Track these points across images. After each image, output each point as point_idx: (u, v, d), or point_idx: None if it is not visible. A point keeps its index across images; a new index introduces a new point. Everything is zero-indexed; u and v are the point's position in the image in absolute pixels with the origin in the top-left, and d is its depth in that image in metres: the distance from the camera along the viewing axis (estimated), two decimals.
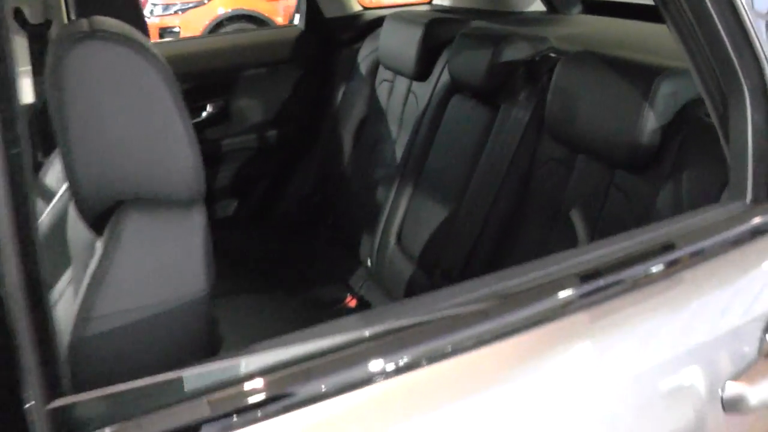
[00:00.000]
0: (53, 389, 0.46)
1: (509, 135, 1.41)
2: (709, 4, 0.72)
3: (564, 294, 0.67)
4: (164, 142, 0.69)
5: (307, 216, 2.16)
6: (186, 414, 0.49)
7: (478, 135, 1.53)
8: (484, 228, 1.43)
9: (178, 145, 0.70)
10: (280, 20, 6.58)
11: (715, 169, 0.90)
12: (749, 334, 0.67)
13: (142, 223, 0.68)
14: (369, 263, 1.80)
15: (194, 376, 0.52)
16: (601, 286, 0.68)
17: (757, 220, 0.74)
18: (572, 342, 0.64)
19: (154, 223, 0.69)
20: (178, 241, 0.71)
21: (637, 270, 0.69)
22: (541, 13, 2.18)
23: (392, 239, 1.74)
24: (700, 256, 0.72)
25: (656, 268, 0.70)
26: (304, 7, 2.21)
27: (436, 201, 1.63)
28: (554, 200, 1.29)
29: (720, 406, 0.63)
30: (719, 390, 0.62)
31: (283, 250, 2.04)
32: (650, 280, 0.69)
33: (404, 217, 1.74)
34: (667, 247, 0.73)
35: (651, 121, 1.07)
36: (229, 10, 6.44)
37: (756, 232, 0.74)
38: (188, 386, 0.51)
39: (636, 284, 0.68)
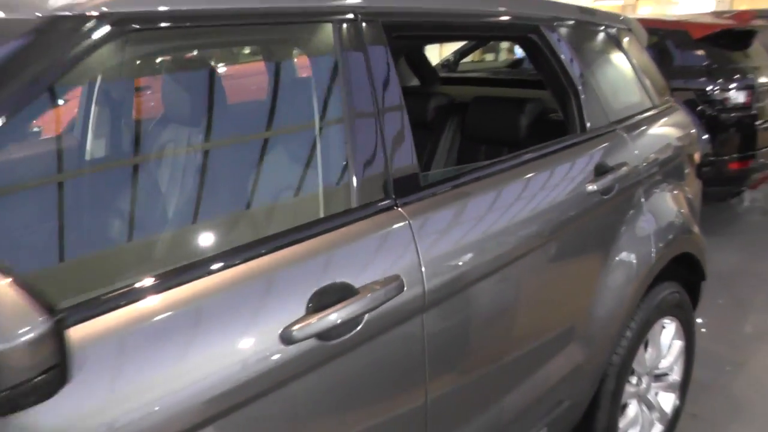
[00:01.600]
0: None
1: (444, 144, 2.55)
2: (554, 63, 1.91)
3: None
4: None
5: None
6: None
7: (421, 151, 2.65)
8: None
9: None
10: None
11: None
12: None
13: None
14: None
15: None
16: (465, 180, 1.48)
17: (577, 139, 1.91)
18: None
19: None
20: None
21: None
22: (418, 86, 3.41)
23: None
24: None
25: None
26: None
27: None
28: None
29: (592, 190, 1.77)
30: (587, 187, 1.76)
31: None
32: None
33: None
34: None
35: (524, 122, 2.28)
36: None
37: (578, 143, 1.90)
38: None
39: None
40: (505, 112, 2.31)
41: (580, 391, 1.87)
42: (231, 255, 1.06)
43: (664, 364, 2.32)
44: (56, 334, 0.72)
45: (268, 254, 1.10)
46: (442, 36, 2.51)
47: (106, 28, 1.00)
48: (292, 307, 1.08)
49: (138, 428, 0.87)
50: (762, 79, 4.76)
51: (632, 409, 2.20)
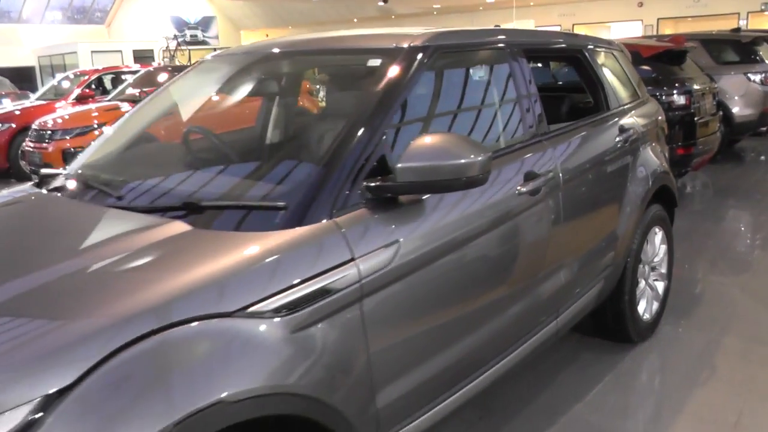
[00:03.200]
0: None
1: None
2: (591, 73, 3.27)
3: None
4: None
5: None
6: None
7: None
8: None
9: None
10: None
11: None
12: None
13: None
14: None
15: None
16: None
17: (606, 114, 3.27)
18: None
19: None
20: None
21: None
22: None
23: None
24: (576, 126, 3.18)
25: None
26: None
27: None
28: None
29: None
30: (615, 138, 3.11)
31: None
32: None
33: None
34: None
35: (565, 108, 3.64)
36: None
37: (608, 116, 3.26)
38: None
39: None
40: (553, 105, 3.66)
41: (618, 259, 3.19)
42: (504, 152, 2.40)
43: (656, 259, 3.67)
44: (490, 159, 1.97)
45: (514, 152, 2.44)
46: (541, 57, 3.87)
47: (431, 51, 2.30)
48: (519, 178, 2.39)
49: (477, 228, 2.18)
50: (696, 86, 6.31)
51: (642, 285, 3.54)
